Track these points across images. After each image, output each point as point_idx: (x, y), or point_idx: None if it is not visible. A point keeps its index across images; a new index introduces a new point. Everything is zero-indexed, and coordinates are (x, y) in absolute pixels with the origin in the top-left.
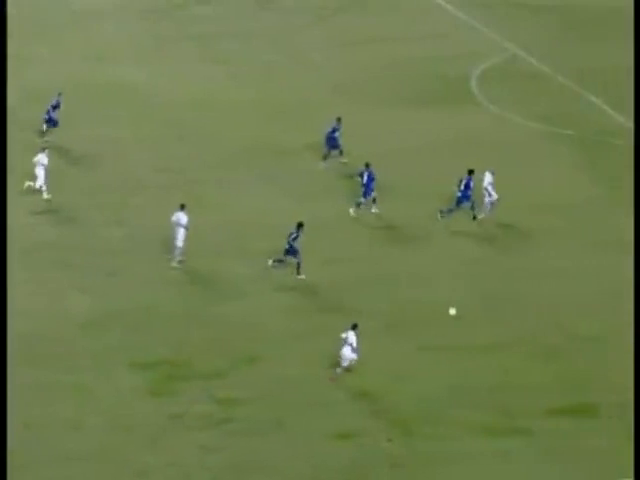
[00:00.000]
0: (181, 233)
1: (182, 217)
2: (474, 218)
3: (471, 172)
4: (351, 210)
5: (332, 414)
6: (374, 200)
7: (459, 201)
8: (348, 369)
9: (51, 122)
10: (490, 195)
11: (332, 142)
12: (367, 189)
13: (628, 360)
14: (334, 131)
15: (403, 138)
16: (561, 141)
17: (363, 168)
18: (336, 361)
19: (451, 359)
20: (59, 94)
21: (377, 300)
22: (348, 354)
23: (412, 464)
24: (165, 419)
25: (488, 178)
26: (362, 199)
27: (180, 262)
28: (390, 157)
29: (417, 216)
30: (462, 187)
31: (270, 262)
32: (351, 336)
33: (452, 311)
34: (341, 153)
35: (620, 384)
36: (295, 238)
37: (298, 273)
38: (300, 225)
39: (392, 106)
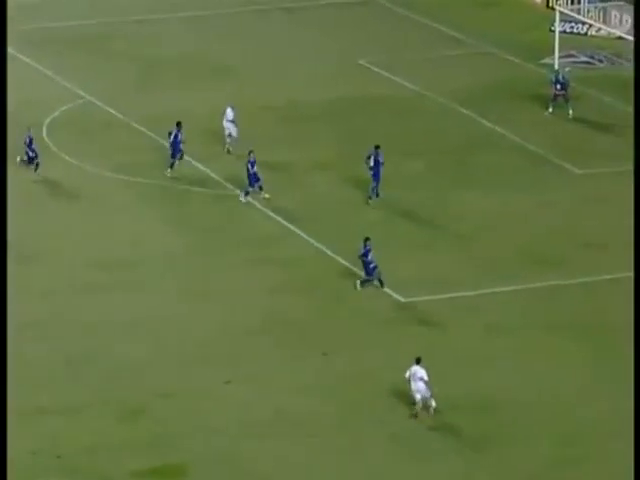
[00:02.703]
0: None
1: None
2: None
3: (377, 147)
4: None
5: None
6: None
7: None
8: (426, 403)
9: None
10: (230, 130)
11: (175, 147)
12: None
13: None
14: (176, 137)
15: None
16: (143, 190)
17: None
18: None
19: (34, 424)
20: None
21: None
22: (423, 388)
23: None
24: None
25: (229, 115)
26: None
27: None
28: None
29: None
30: (372, 163)
31: (358, 283)
32: (420, 370)
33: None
34: (180, 159)
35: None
36: (366, 253)
37: (381, 286)
38: (367, 239)
39: None
